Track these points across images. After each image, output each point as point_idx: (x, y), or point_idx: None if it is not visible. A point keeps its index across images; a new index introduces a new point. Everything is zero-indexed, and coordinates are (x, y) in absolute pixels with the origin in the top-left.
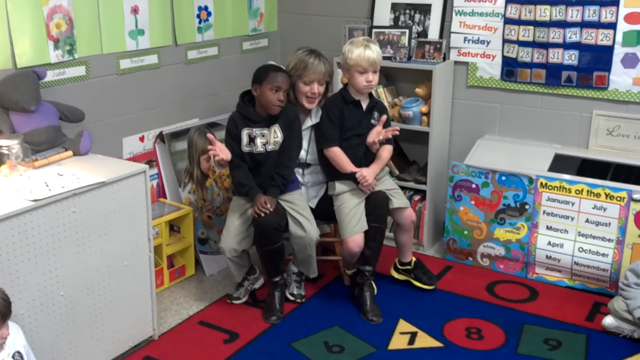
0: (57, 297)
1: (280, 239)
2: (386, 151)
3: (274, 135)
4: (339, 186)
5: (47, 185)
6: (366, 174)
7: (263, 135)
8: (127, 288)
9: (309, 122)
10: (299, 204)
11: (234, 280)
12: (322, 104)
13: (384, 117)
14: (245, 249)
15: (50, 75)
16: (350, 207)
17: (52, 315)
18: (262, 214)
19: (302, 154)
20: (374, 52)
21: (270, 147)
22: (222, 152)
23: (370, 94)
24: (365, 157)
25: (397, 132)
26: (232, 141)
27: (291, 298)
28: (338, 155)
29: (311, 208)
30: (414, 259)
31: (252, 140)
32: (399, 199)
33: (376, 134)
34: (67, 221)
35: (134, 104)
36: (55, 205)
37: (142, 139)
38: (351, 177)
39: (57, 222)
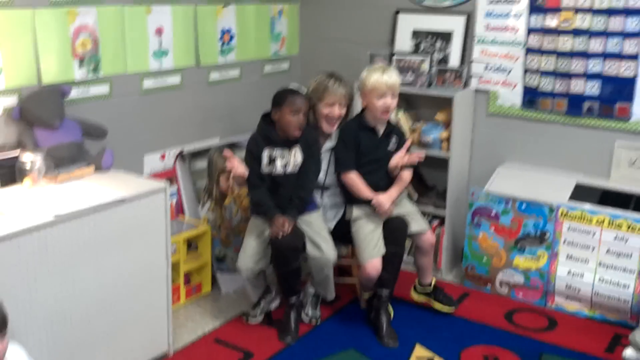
0: (74, 312)
1: (297, 260)
2: (406, 173)
3: (294, 158)
4: (356, 211)
5: (68, 201)
6: (383, 200)
7: (283, 157)
8: (143, 304)
9: (328, 144)
10: (317, 225)
11: (251, 300)
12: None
13: (409, 142)
14: (262, 269)
15: (75, 93)
16: (367, 232)
17: (69, 330)
18: (280, 235)
19: (321, 175)
20: (391, 77)
21: (289, 169)
22: (239, 167)
23: (387, 120)
24: (383, 182)
25: (422, 158)
26: (253, 161)
27: (306, 318)
28: (355, 180)
29: (329, 230)
30: (434, 280)
31: (272, 161)
32: (417, 223)
33: (399, 158)
34: (87, 237)
35: (156, 123)
36: (75, 221)
37: (163, 156)
38: (368, 202)
39: (77, 237)
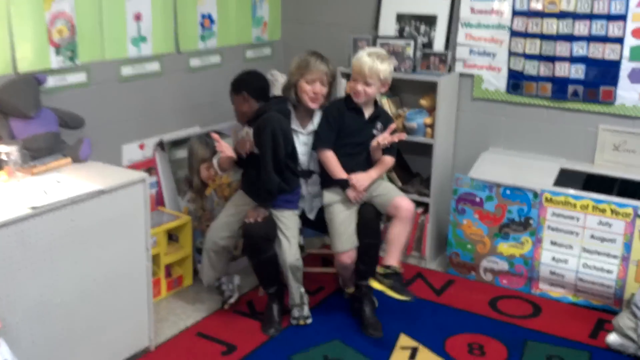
0: (54, 306)
1: (271, 249)
2: (389, 158)
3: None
4: (329, 195)
5: (45, 193)
6: (361, 178)
7: (247, 134)
8: (124, 298)
9: (311, 127)
10: (287, 225)
11: (201, 278)
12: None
13: (394, 125)
14: (224, 247)
15: (51, 81)
16: (340, 220)
17: (49, 324)
18: (252, 221)
19: (304, 159)
20: (372, 62)
21: None
22: (227, 150)
23: (375, 103)
24: (360, 167)
25: (404, 137)
26: None
27: (294, 322)
28: (329, 159)
29: (311, 220)
30: (399, 267)
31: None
32: (393, 197)
33: (382, 138)
34: (65, 229)
35: (135, 111)
36: (53, 213)
37: (142, 146)
38: (341, 185)
39: (55, 229)
